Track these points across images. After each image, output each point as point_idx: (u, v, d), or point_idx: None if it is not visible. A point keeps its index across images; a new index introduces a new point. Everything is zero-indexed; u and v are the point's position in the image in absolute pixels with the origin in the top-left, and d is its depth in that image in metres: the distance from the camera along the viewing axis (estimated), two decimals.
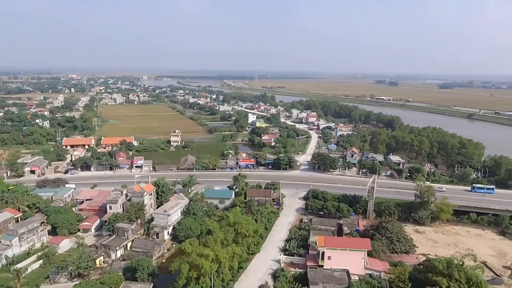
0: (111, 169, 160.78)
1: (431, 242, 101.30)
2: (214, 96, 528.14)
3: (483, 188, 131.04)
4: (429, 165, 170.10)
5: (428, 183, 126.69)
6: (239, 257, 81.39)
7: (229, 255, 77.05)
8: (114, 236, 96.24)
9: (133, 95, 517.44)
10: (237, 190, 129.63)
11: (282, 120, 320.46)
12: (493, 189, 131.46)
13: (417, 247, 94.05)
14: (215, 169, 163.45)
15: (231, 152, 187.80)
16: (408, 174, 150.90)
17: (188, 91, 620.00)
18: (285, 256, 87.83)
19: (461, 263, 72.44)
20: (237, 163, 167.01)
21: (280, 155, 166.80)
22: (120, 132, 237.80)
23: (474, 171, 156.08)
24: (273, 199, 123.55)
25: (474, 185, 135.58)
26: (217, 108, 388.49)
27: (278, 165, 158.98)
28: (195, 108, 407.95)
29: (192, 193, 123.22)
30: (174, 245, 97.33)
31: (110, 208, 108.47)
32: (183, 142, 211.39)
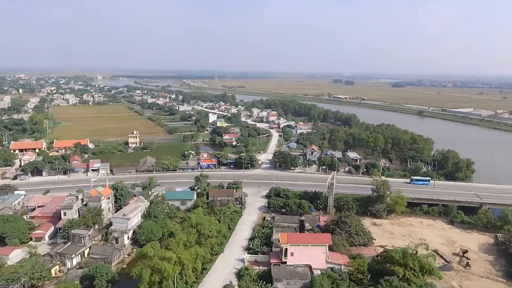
0: (65, 173, 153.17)
1: (387, 234, 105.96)
2: (173, 96, 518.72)
3: (420, 180, 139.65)
4: (384, 160, 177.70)
5: (383, 177, 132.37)
6: (203, 258, 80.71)
7: (192, 256, 76.16)
8: (69, 243, 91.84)
9: (88, 96, 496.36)
10: (199, 190, 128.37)
11: (243, 119, 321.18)
12: (428, 180, 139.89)
13: (375, 239, 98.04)
14: (176, 170, 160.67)
15: (192, 152, 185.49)
16: (365, 170, 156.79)
17: (146, 91, 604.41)
18: (249, 255, 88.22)
19: (415, 252, 76.55)
20: (198, 163, 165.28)
21: (242, 154, 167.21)
22: (74, 134, 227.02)
23: (424, 165, 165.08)
24: (235, 198, 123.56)
25: (412, 177, 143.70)
26: (177, 108, 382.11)
27: (240, 164, 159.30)
28: (154, 108, 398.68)
29: (153, 195, 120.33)
30: (134, 250, 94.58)
31: (65, 214, 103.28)
32: (142, 144, 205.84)
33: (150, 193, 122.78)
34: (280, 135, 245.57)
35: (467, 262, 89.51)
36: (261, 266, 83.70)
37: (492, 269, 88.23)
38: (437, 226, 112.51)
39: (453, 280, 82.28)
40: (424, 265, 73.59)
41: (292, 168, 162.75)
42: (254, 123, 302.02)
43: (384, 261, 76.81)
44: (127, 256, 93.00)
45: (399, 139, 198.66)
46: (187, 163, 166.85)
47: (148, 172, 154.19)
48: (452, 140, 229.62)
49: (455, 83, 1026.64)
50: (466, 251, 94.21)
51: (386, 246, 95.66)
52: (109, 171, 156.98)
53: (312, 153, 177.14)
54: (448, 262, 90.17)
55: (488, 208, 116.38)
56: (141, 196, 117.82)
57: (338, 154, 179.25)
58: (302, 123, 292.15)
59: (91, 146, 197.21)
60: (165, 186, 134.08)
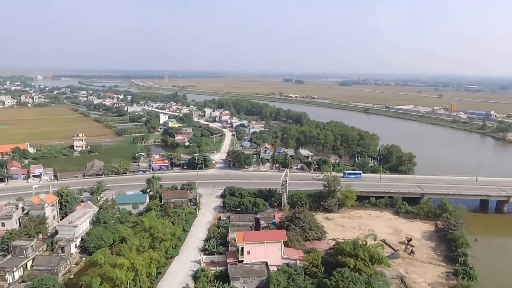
0: (2, 180, 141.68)
1: (339, 227, 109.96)
2: (121, 97, 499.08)
3: (352, 174, 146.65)
4: (334, 156, 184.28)
5: (334, 173, 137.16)
6: (157, 263, 78.60)
7: (146, 261, 73.90)
8: (9, 256, 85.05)
9: (26, 97, 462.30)
10: (151, 193, 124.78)
11: (195, 119, 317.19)
12: (360, 174, 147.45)
13: (328, 233, 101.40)
14: (126, 173, 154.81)
15: (143, 154, 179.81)
16: (317, 166, 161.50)
17: (91, 92, 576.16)
18: (205, 256, 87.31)
19: (364, 243, 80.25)
20: (150, 165, 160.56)
21: (195, 154, 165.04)
22: (11, 138, 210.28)
23: (371, 160, 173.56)
24: (190, 199, 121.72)
25: (345, 171, 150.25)
26: (126, 109, 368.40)
27: (193, 165, 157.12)
28: (100, 109, 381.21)
29: (102, 200, 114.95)
30: (83, 258, 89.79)
31: (3, 225, 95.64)
32: (89, 147, 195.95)
33: (99, 198, 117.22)
34: (233, 135, 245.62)
35: (412, 250, 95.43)
36: (217, 267, 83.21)
37: (434, 254, 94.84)
38: (384, 217, 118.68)
39: (400, 267, 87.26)
40: (374, 254, 77.46)
41: (246, 167, 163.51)
42: (206, 123, 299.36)
43: (336, 253, 79.75)
44: (74, 265, 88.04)
45: (348, 135, 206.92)
46: (138, 165, 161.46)
47: (96, 176, 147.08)
48: (395, 136, 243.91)
49: (396, 82, 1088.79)
50: (411, 239, 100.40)
51: (338, 239, 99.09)
52: (52, 177, 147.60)
53: (265, 151, 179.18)
54: (395, 250, 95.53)
55: (429, 198, 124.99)
56: (89, 202, 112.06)
57: (290, 152, 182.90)
58: (254, 122, 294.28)
59: (31, 150, 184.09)
60: (115, 190, 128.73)
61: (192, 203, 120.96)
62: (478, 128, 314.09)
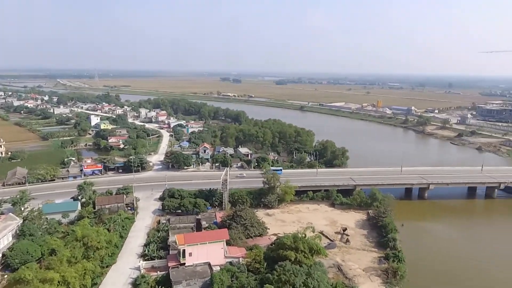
0: None
1: (280, 222, 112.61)
2: (46, 98, 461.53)
3: (275, 170, 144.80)
4: (272, 153, 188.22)
5: (281, 170, 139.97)
6: (92, 273, 74.10)
7: (79, 273, 69.35)
8: None
9: None
10: (83, 200, 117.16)
11: (130, 120, 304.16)
12: (280, 170, 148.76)
13: (269, 229, 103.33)
14: (54, 180, 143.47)
15: (73, 159, 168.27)
16: (256, 164, 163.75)
17: (10, 93, 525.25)
18: (144, 262, 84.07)
19: (304, 236, 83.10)
20: (81, 170, 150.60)
21: (131, 157, 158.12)
22: None
23: (308, 155, 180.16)
24: (126, 204, 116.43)
25: (271, 168, 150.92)
26: (52, 111, 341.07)
27: (130, 168, 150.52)
28: (22, 112, 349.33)
29: (26, 211, 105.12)
30: (6, 276, 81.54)
31: None
32: (10, 153, 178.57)
33: (22, 209, 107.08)
34: (171, 135, 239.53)
35: (347, 239, 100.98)
36: (158, 271, 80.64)
37: (367, 241, 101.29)
38: (322, 210, 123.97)
39: (337, 256, 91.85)
40: (312, 246, 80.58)
41: (186, 167, 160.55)
42: (142, 123, 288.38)
43: (277, 248, 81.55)
44: None
45: (285, 132, 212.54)
46: (68, 171, 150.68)
47: (19, 185, 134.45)
48: (329, 131, 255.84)
49: (328, 80, 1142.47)
50: (346, 229, 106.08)
51: (279, 233, 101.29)
52: None
53: (204, 151, 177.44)
54: (332, 240, 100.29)
55: (361, 189, 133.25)
56: (10, 214, 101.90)
57: (230, 151, 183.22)
58: (193, 121, 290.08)
59: None
60: (42, 199, 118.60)
61: (129, 208, 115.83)
62: (401, 122, 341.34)
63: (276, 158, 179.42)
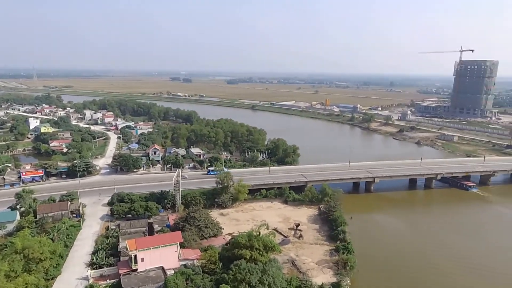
0: None
1: (234, 222, 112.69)
2: None
3: (215, 170, 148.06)
4: (225, 153, 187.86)
5: (226, 169, 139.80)
6: (35, 287, 69.20)
7: None
8: None
9: None
10: (22, 209, 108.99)
11: (74, 122, 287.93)
12: (222, 170, 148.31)
13: (223, 229, 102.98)
14: None
15: (10, 165, 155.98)
16: (209, 164, 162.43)
17: None
18: (93, 271, 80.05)
19: (258, 233, 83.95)
20: (19, 177, 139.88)
21: (75, 161, 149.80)
22: None
23: (260, 154, 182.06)
24: (71, 211, 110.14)
25: (208, 168, 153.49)
26: None
27: (74, 173, 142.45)
28: None
29: None
30: None
31: None
32: None
33: None
34: (119, 137, 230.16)
35: (300, 234, 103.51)
36: (108, 280, 77.20)
37: (319, 235, 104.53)
38: (275, 207, 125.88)
39: (291, 251, 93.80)
40: (267, 243, 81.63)
41: (135, 170, 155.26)
42: (87, 126, 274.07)
43: (232, 247, 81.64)
44: None
45: (237, 132, 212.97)
46: (4, 178, 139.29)
47: None
48: (280, 130, 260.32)
49: (279, 80, 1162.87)
50: (299, 225, 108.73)
51: (233, 233, 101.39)
52: None
53: (155, 152, 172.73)
54: (285, 236, 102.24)
55: (312, 185, 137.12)
56: None
57: (182, 151, 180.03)
58: (142, 122, 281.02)
59: None
60: None
61: (74, 215, 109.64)
62: (348, 119, 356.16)
63: (228, 157, 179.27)
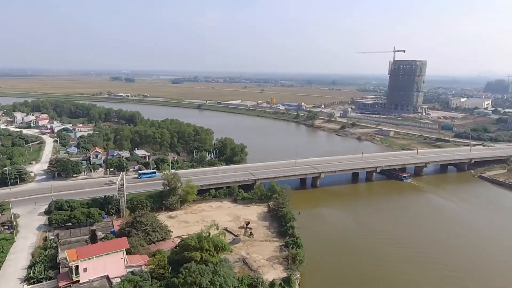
0: None
1: (183, 224, 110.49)
2: None
3: (146, 174, 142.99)
4: (172, 154, 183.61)
5: (173, 170, 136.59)
6: None
7: None
8: None
9: None
10: None
11: (3, 126, 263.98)
12: (154, 172, 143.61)
13: (172, 232, 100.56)
14: None
15: None
16: (155, 166, 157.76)
17: None
18: (29, 286, 74.07)
19: (208, 234, 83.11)
20: None
21: (6, 168, 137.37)
22: None
23: (208, 154, 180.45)
24: (2, 223, 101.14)
25: (139, 172, 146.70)
26: None
27: (5, 181, 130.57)
28: None
29: None
30: None
31: None
32: None
33: None
34: (55, 141, 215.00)
35: (250, 232, 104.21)
36: None
37: (269, 232, 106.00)
38: (225, 206, 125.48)
39: (241, 250, 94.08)
40: (217, 243, 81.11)
41: (75, 175, 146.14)
42: (19, 129, 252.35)
43: (182, 250, 80.00)
44: None
45: (184, 132, 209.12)
46: None
47: None
48: (227, 129, 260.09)
49: (225, 79, 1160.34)
50: (249, 223, 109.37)
51: (183, 235, 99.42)
52: None
53: (96, 156, 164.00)
54: (236, 235, 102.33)
55: (261, 183, 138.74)
56: None
57: (125, 154, 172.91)
58: (81, 125, 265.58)
59: None
60: None
61: (6, 227, 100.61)
62: (293, 117, 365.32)
63: (176, 158, 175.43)
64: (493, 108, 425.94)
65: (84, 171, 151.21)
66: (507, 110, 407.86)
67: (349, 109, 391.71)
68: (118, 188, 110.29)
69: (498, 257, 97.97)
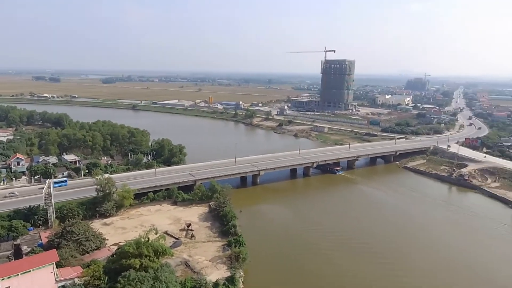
0: None
1: (120, 230, 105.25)
2: None
3: (56, 183, 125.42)
4: (105, 157, 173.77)
5: (107, 175, 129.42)
6: None
7: None
8: None
9: None
10: None
11: None
12: (65, 181, 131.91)
13: (108, 239, 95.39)
14: None
15: None
16: (87, 171, 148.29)
17: None
18: None
19: (147, 239, 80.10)
20: None
21: None
22: None
23: (145, 156, 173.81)
24: None
25: (50, 181, 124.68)
26: None
27: None
28: None
29: None
30: None
31: None
32: None
33: None
34: None
35: (192, 234, 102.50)
36: None
37: (211, 232, 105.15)
38: (164, 209, 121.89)
39: (183, 253, 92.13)
40: (157, 248, 78.47)
41: None
42: None
43: (120, 258, 76.11)
44: None
45: (118, 134, 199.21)
46: None
47: None
48: (164, 130, 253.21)
49: (160, 78, 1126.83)
50: (190, 224, 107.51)
51: (120, 242, 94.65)
52: None
53: (18, 163, 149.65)
54: (177, 238, 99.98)
55: (201, 183, 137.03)
56: None
57: (53, 159, 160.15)
58: None
59: None
60: None
61: None
62: (232, 116, 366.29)
63: (109, 162, 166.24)
64: (414, 104, 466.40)
65: (3, 180, 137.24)
66: (425, 105, 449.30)
67: (286, 107, 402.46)
68: (45, 197, 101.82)
69: (423, 240, 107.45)
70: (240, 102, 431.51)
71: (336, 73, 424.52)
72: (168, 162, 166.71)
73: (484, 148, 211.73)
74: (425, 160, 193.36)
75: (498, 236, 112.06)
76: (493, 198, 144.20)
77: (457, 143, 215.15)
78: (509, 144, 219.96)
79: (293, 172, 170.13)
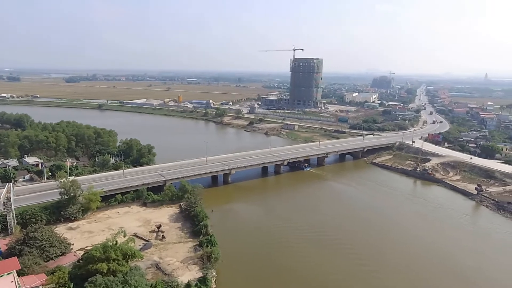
0: None
1: (87, 234, 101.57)
2: None
3: None
4: (70, 159, 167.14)
5: (72, 177, 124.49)
6: None
7: None
8: None
9: None
10: None
11: None
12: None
13: (73, 244, 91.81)
14: None
15: None
16: (50, 174, 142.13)
17: None
18: None
19: (115, 242, 77.64)
20: None
21: None
22: None
23: (112, 157, 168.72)
24: None
25: None
26: None
27: None
28: None
29: None
30: None
31: None
32: None
33: None
34: None
35: (162, 235, 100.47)
36: None
37: (182, 233, 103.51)
38: (133, 211, 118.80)
39: (154, 255, 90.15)
40: (126, 251, 76.31)
41: None
42: None
43: (86, 263, 73.38)
44: None
45: (83, 135, 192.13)
46: None
47: None
48: (132, 129, 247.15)
49: (127, 77, 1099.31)
50: (160, 226, 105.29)
51: (86, 247, 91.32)
52: None
53: None
54: (147, 240, 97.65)
55: (171, 184, 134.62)
56: None
57: (13, 162, 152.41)
58: None
59: None
60: None
61: None
62: (202, 115, 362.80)
63: (75, 164, 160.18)
64: (380, 102, 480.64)
65: None
66: (390, 103, 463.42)
67: (256, 106, 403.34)
68: (4, 202, 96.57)
69: (392, 233, 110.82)
70: (210, 101, 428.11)
71: (304, 71, 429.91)
72: (136, 163, 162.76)
73: (446, 143, 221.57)
74: (392, 156, 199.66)
75: (462, 227, 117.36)
76: (455, 191, 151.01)
77: (421, 138, 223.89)
78: (469, 139, 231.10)
79: (264, 170, 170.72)
